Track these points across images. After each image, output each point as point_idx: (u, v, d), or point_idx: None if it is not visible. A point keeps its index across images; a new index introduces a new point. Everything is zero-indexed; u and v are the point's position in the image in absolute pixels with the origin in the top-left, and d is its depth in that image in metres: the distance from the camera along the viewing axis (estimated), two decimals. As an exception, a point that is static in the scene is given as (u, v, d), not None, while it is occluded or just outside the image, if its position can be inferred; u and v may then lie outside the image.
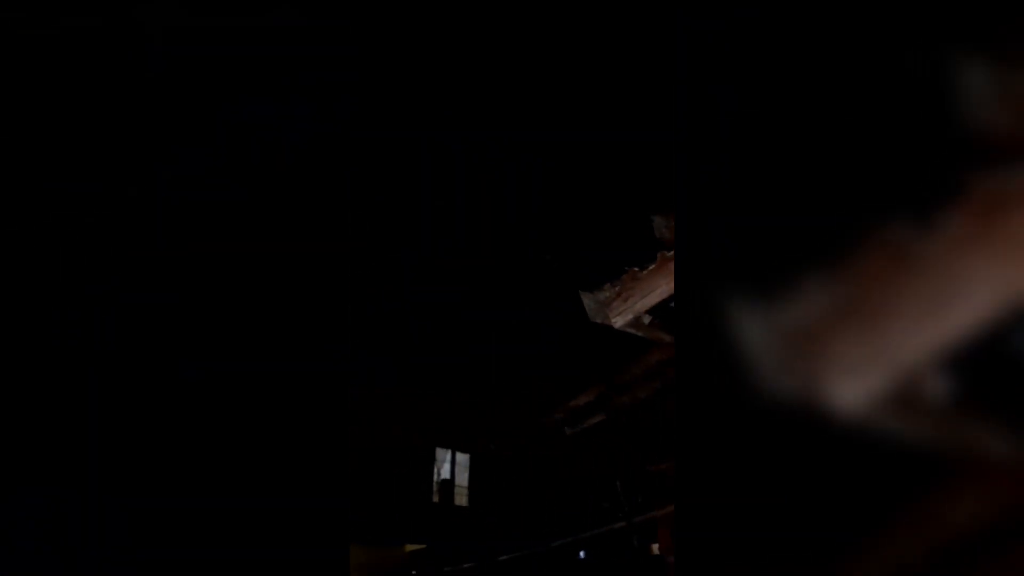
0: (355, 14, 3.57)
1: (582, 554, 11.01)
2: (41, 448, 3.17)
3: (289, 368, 3.40)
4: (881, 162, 2.28)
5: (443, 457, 15.99)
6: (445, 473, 16.01)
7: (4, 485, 3.11)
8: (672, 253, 3.63)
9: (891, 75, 2.30)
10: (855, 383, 2.20)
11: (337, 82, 3.57)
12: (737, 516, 2.29)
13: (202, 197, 3.42)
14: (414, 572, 14.34)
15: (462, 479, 16.19)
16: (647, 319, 3.96)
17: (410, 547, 14.90)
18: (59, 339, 3.26)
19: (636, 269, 3.84)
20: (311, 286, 3.47)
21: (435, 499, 15.68)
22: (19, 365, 3.21)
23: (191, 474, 3.24)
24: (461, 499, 16.05)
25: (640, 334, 4.14)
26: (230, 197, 3.44)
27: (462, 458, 16.22)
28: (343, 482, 3.33)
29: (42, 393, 3.21)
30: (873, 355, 2.19)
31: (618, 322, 3.94)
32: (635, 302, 3.86)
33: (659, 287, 3.75)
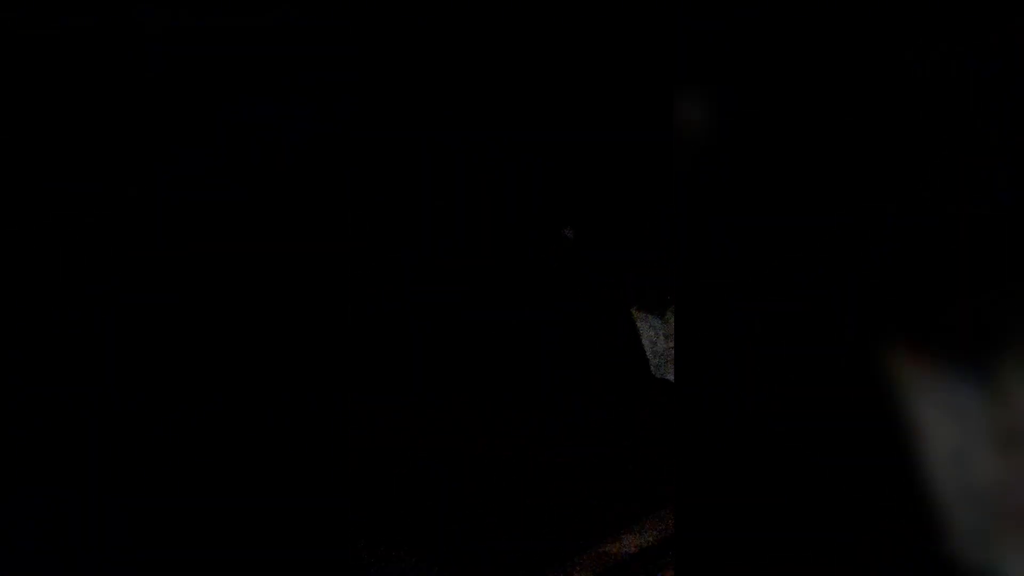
0: (355, 14, 3.57)
1: None
2: (41, 448, 3.17)
3: (288, 368, 3.40)
4: (883, 160, 2.27)
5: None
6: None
7: (4, 485, 3.11)
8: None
9: (892, 74, 2.30)
10: None
11: (337, 82, 3.57)
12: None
13: (202, 197, 3.42)
14: None
15: None
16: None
17: None
18: (59, 339, 3.26)
19: None
20: (311, 286, 3.48)
21: None
22: (19, 365, 3.21)
23: (191, 474, 3.24)
24: None
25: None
26: (230, 197, 3.45)
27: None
28: (343, 482, 3.33)
29: (42, 393, 3.21)
30: None
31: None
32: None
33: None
